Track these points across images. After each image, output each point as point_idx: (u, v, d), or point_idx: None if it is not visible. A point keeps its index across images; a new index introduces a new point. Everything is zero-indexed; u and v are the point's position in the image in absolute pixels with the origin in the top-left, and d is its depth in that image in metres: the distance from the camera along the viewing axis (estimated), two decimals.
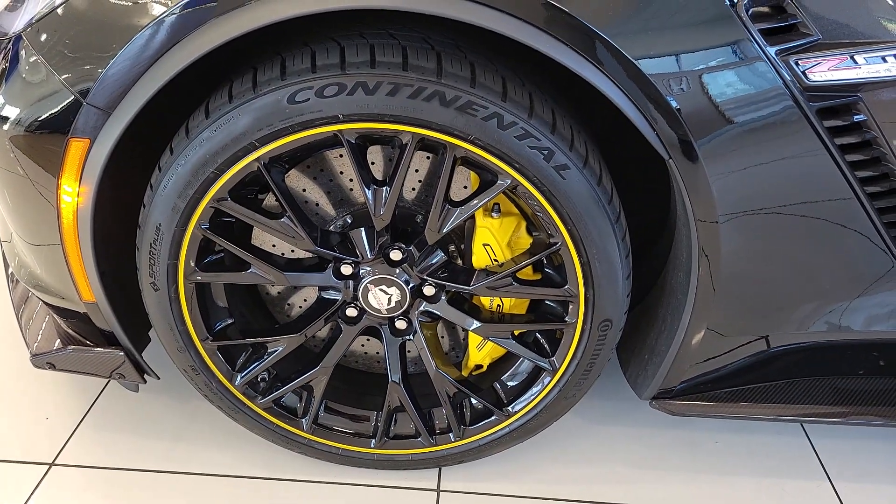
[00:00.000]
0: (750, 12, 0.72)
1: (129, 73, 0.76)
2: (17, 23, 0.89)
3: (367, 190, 0.82)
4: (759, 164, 0.79)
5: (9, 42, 0.87)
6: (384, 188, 0.82)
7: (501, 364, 1.04)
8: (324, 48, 0.77)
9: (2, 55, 0.88)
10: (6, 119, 0.83)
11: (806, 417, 1.04)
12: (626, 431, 1.17)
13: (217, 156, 0.79)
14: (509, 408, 1.00)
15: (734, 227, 0.82)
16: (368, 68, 0.74)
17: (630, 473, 1.10)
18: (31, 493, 1.03)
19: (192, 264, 0.88)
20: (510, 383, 1.02)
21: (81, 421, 1.16)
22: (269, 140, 0.78)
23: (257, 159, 0.79)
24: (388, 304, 0.93)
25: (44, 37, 0.82)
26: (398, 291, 0.92)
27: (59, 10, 0.82)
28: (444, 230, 0.85)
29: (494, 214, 0.89)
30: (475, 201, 0.83)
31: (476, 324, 0.94)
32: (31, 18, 0.86)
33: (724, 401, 1.02)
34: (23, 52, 0.84)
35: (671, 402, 1.02)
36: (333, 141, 0.79)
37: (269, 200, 0.96)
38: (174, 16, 0.73)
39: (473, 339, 1.01)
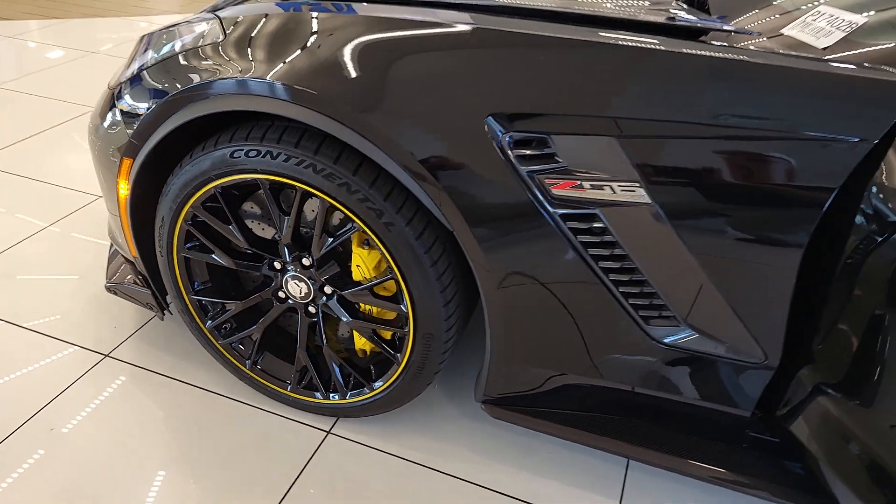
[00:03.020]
0: (511, 143, 1.05)
1: (147, 129, 1.26)
2: (119, 78, 1.43)
3: (276, 218, 1.27)
4: (524, 252, 1.11)
5: (111, 93, 1.42)
6: (286, 217, 1.26)
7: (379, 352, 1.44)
8: (258, 125, 1.21)
9: (108, 102, 1.42)
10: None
11: (597, 447, 1.31)
12: (483, 425, 1.50)
13: (193, 180, 1.27)
14: (373, 384, 1.39)
15: (504, 293, 1.15)
16: (275, 143, 1.18)
17: (470, 455, 1.44)
18: (83, 374, 1.61)
19: (181, 245, 1.38)
20: (376, 367, 1.42)
21: (135, 332, 1.73)
22: (220, 177, 1.24)
23: (214, 187, 1.26)
24: (301, 293, 1.37)
25: (120, 94, 1.36)
26: (307, 286, 1.36)
27: (126, 84, 1.35)
28: (323, 251, 1.27)
29: (364, 246, 1.29)
30: (339, 235, 1.25)
31: (348, 318, 1.35)
32: (119, 80, 1.40)
33: (536, 416, 1.33)
34: (113, 103, 1.39)
35: (493, 408, 1.34)
36: (259, 183, 1.24)
37: (247, 207, 1.43)
38: (158, 105, 1.23)
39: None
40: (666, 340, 1.16)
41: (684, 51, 0.99)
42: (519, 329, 1.21)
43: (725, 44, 1.03)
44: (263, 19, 1.25)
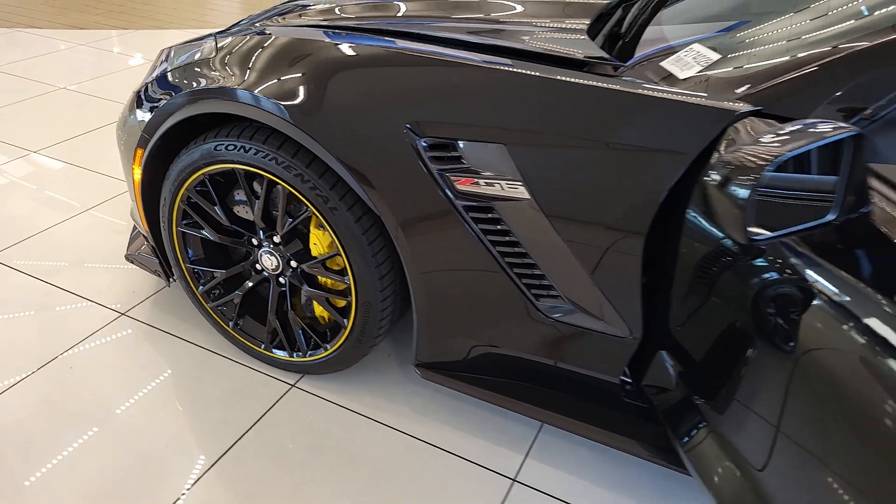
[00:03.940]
0: (427, 146, 1.30)
1: (154, 125, 1.58)
2: (142, 84, 1.76)
3: (249, 201, 1.56)
4: (436, 237, 1.36)
5: (136, 96, 1.74)
6: (257, 201, 1.55)
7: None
8: (237, 126, 1.51)
9: (132, 103, 1.75)
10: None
11: (506, 408, 1.53)
12: (423, 388, 1.75)
13: (187, 168, 1.57)
14: (326, 345, 1.67)
15: (422, 271, 1.40)
16: (248, 140, 1.47)
17: (408, 412, 1.68)
18: (103, 327, 1.94)
19: (179, 221, 1.68)
20: (331, 331, 1.68)
21: (149, 297, 2.06)
22: (207, 166, 1.54)
23: (203, 174, 1.56)
24: (272, 266, 1.66)
25: (140, 97, 1.69)
26: (277, 260, 1.64)
27: (144, 89, 1.68)
28: (285, 229, 1.55)
29: (320, 228, 1.56)
30: (297, 217, 1.53)
31: (307, 288, 1.63)
32: (141, 86, 1.73)
33: (460, 380, 1.56)
34: (135, 104, 1.71)
35: (425, 371, 1.59)
36: (235, 172, 1.53)
37: (235, 194, 1.72)
38: (160, 106, 1.54)
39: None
40: (553, 316, 1.38)
41: (558, 77, 1.23)
42: (437, 303, 1.46)
43: (599, 74, 1.26)
44: (243, 40, 1.55)
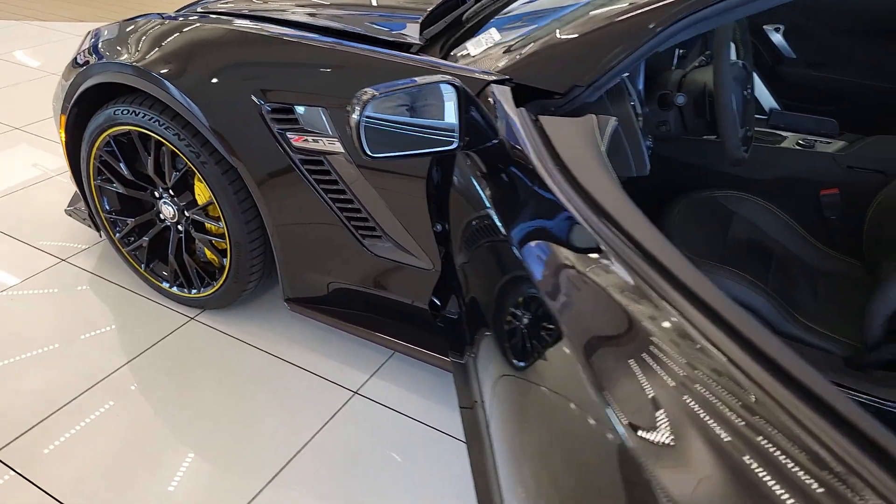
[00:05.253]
0: (270, 110, 1.60)
1: (70, 94, 1.90)
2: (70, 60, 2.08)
3: (143, 158, 1.87)
4: (281, 186, 1.66)
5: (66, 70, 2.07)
6: (150, 157, 1.86)
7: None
8: (132, 94, 1.82)
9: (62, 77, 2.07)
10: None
11: (367, 339, 1.83)
12: (302, 321, 2.05)
13: (96, 130, 1.89)
14: (214, 282, 1.98)
15: (275, 216, 1.70)
16: (138, 105, 1.78)
17: (284, 340, 1.99)
18: (44, 270, 2.27)
19: (95, 176, 2.01)
20: (218, 270, 2.00)
21: (88, 248, 2.39)
22: (109, 128, 1.86)
23: (108, 135, 1.88)
24: (171, 214, 1.97)
25: (67, 70, 2.01)
26: (173, 210, 1.96)
27: (70, 63, 2.00)
28: (172, 181, 1.86)
29: (202, 181, 1.87)
30: (179, 170, 1.84)
31: (196, 233, 1.94)
32: (72, 58, 2.05)
33: (322, 312, 1.86)
34: (63, 76, 2.03)
35: (294, 305, 1.89)
36: (131, 133, 1.84)
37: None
38: (73, 77, 1.86)
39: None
40: (377, 252, 1.68)
41: (362, 53, 1.52)
42: (289, 245, 1.76)
43: (398, 52, 1.54)
44: (144, 24, 1.86)
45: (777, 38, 2.49)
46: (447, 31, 1.81)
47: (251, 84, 1.60)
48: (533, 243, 0.95)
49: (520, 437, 0.89)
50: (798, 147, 1.88)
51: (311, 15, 1.79)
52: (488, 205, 1.10)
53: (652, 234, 0.83)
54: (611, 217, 0.87)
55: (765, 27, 2.48)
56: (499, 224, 1.04)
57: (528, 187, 1.03)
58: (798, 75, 2.48)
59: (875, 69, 2.36)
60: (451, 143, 1.05)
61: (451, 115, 1.03)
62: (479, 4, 1.91)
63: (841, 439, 0.56)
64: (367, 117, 1.02)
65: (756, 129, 2.02)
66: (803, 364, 0.63)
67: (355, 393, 1.82)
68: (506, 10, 1.75)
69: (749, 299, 1.52)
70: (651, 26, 1.23)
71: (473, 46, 1.59)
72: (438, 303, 1.70)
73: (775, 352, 0.65)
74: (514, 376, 0.93)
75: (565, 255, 0.90)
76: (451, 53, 1.59)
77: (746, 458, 0.59)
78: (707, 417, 0.64)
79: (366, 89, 1.03)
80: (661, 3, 1.23)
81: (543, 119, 1.16)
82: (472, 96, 1.05)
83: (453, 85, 1.02)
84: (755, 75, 2.18)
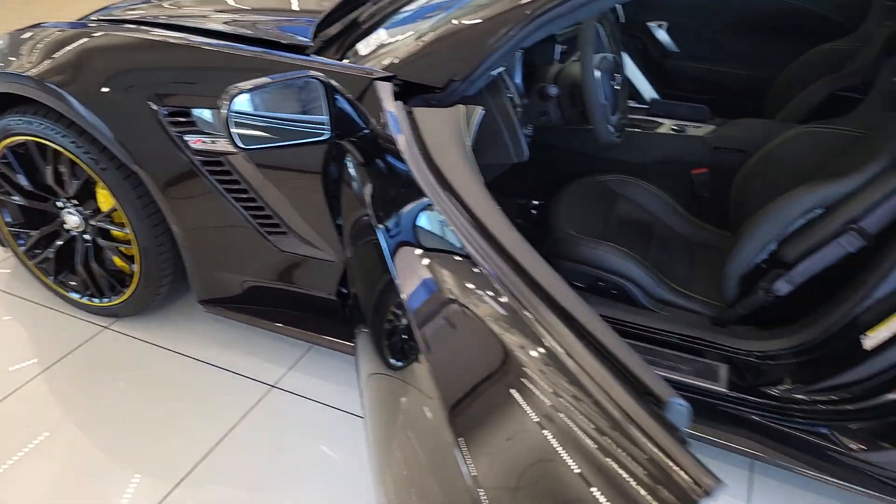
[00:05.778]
0: (167, 114, 1.64)
1: None
2: None
3: (41, 168, 1.87)
4: (184, 187, 1.70)
5: None
6: (48, 167, 1.86)
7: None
8: (26, 104, 1.81)
9: None
10: None
11: (283, 333, 1.88)
12: (218, 322, 2.09)
13: None
14: (125, 289, 1.99)
15: (180, 217, 1.74)
16: (32, 115, 1.78)
17: (200, 342, 2.02)
18: None
19: None
20: (129, 278, 2.01)
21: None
22: (4, 138, 1.85)
23: (4, 146, 1.87)
24: (75, 224, 1.97)
25: None
26: (78, 218, 1.96)
27: None
28: (74, 190, 1.87)
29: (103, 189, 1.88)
30: (80, 178, 1.85)
31: (102, 241, 1.95)
32: None
33: (237, 311, 1.90)
34: None
35: (208, 306, 1.92)
36: (27, 143, 1.84)
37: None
38: None
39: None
40: (284, 249, 1.74)
41: (253, 55, 1.58)
42: (198, 245, 1.80)
43: (293, 54, 1.61)
44: (41, 32, 1.86)
45: (662, 34, 2.69)
46: (345, 33, 1.89)
47: (146, 90, 1.64)
48: (396, 239, 1.03)
49: (378, 433, 0.95)
50: (672, 132, 2.06)
51: (209, 20, 1.84)
52: (365, 199, 1.19)
53: (491, 211, 0.93)
54: (458, 195, 0.97)
55: (649, 24, 2.68)
56: (371, 218, 1.12)
57: (396, 178, 1.12)
58: (682, 67, 2.69)
59: (746, 60, 2.59)
60: (323, 134, 1.13)
61: (319, 108, 1.11)
62: (375, 7, 2.00)
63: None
64: (237, 112, 1.09)
65: (638, 117, 2.19)
66: (602, 326, 0.73)
67: (273, 387, 1.87)
68: (396, 13, 1.85)
69: (625, 269, 1.67)
70: (511, 26, 1.35)
71: (364, 47, 1.67)
72: (346, 292, 1.77)
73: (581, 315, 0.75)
74: (380, 374, 0.99)
75: (424, 255, 0.97)
76: (347, 54, 1.67)
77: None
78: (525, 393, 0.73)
79: (232, 85, 1.10)
80: (517, 5, 1.35)
81: (416, 111, 1.26)
82: (338, 89, 1.14)
83: (319, 80, 1.10)
84: (637, 69, 2.36)
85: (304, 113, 1.13)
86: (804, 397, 1.42)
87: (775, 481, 1.61)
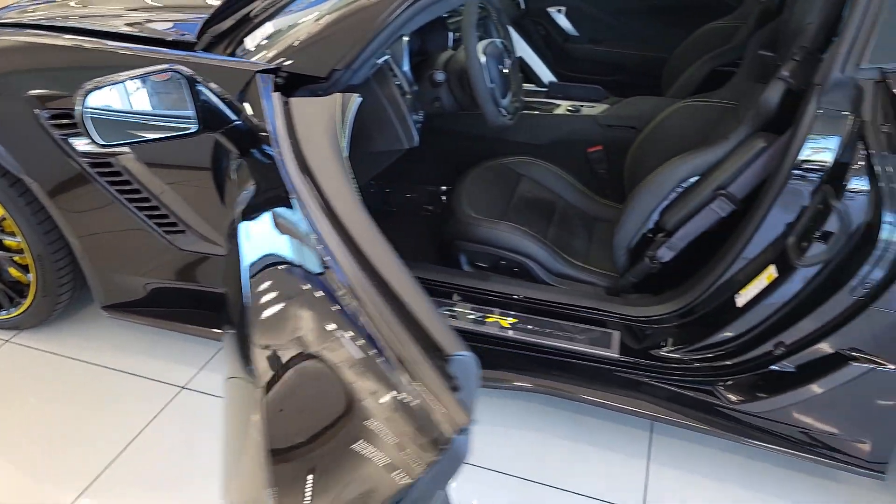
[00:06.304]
0: (49, 116, 1.59)
1: None
2: None
3: None
4: (73, 189, 1.66)
5: None
6: None
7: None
8: None
9: None
10: None
11: (190, 333, 1.86)
12: (128, 327, 2.05)
13: None
14: (23, 300, 1.93)
15: (71, 219, 1.69)
16: None
17: (108, 348, 1.98)
18: None
19: None
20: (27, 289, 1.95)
21: None
22: None
23: None
24: None
25: None
26: None
27: None
28: None
29: None
30: None
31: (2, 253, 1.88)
32: None
33: (142, 315, 1.87)
34: None
35: (112, 311, 1.87)
36: None
37: None
38: None
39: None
40: (183, 247, 1.72)
41: (137, 53, 1.55)
42: (95, 249, 1.76)
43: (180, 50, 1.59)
44: None
45: (561, 18, 2.77)
46: (237, 29, 1.88)
47: (26, 93, 1.59)
48: (252, 239, 1.04)
49: (226, 436, 0.97)
50: (568, 112, 2.13)
51: (98, 20, 1.79)
52: (233, 193, 1.19)
53: (348, 202, 0.95)
54: (318, 186, 0.98)
55: (549, 10, 2.75)
56: (236, 214, 1.13)
57: (267, 171, 1.13)
58: (583, 50, 2.78)
59: (642, 41, 2.70)
60: (190, 127, 1.13)
61: (182, 100, 1.11)
62: (267, 2, 1.99)
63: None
64: (94, 109, 1.08)
65: (536, 100, 2.25)
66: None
67: (183, 388, 1.85)
68: (285, 6, 1.84)
69: (524, 247, 1.72)
70: (387, 13, 1.37)
71: (251, 41, 1.67)
72: None
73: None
74: (235, 379, 1.00)
75: (278, 258, 0.98)
76: (238, 49, 1.66)
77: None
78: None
79: (88, 82, 1.09)
80: None
81: (293, 101, 1.27)
82: (201, 81, 1.13)
83: (179, 72, 1.10)
84: (534, 53, 2.42)
85: (170, 107, 1.13)
86: (684, 357, 1.51)
87: (673, 439, 1.69)
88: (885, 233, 1.21)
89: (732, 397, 1.48)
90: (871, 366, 1.30)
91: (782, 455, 1.48)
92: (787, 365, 1.42)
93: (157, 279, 1.82)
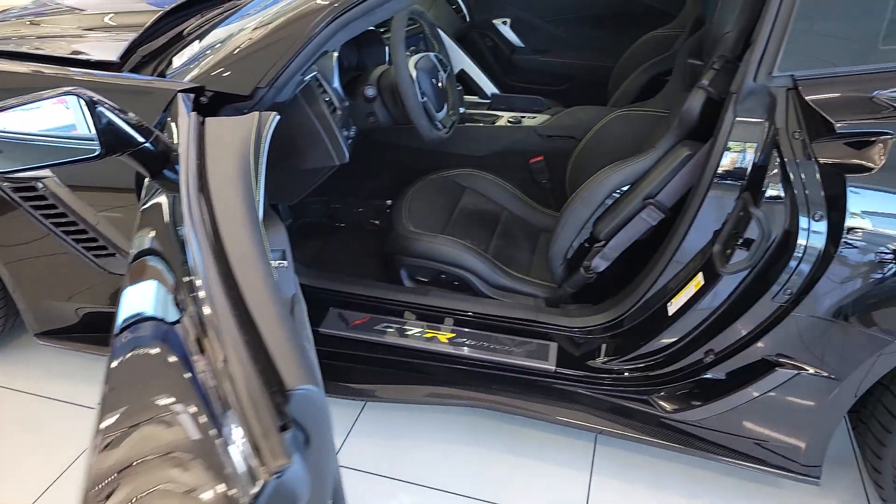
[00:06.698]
0: None
1: None
2: None
3: None
4: (3, 220, 1.61)
5: None
6: None
7: None
8: None
9: None
10: None
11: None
12: (67, 354, 1.99)
13: None
14: None
15: (4, 257, 1.65)
16: None
17: (44, 377, 1.92)
18: None
19: None
20: None
21: None
22: None
23: None
24: None
25: None
26: None
27: None
28: None
29: None
30: None
31: None
32: None
33: (75, 341, 1.82)
34: None
35: (45, 338, 1.82)
36: None
37: None
38: None
39: None
40: (115, 271, 1.68)
41: (65, 75, 1.52)
42: (23, 277, 1.71)
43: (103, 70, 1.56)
44: None
45: (506, 30, 2.78)
46: (168, 48, 1.85)
47: None
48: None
49: None
50: (509, 124, 2.13)
51: (26, 42, 1.75)
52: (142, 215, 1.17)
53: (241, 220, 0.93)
54: (211, 204, 0.96)
55: (494, 21, 2.76)
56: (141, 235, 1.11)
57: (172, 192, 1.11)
58: (529, 61, 2.79)
59: (587, 51, 2.72)
60: (93, 150, 1.10)
61: (83, 124, 1.08)
62: (201, 20, 1.97)
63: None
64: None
65: (478, 112, 2.25)
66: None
67: None
68: (215, 24, 1.82)
69: (463, 261, 1.71)
70: (307, 32, 1.36)
71: (177, 59, 1.64)
72: None
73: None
74: None
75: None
76: (167, 69, 1.63)
77: None
78: None
79: None
80: (312, 10, 1.36)
81: (209, 121, 1.25)
82: (103, 103, 1.11)
83: (77, 95, 1.07)
84: (474, 65, 2.43)
85: (71, 131, 1.10)
86: (618, 367, 1.50)
87: (617, 449, 1.69)
88: (802, 239, 1.21)
89: (667, 406, 1.48)
90: (796, 371, 1.31)
91: (722, 462, 1.48)
92: (718, 373, 1.42)
93: (89, 304, 1.77)
